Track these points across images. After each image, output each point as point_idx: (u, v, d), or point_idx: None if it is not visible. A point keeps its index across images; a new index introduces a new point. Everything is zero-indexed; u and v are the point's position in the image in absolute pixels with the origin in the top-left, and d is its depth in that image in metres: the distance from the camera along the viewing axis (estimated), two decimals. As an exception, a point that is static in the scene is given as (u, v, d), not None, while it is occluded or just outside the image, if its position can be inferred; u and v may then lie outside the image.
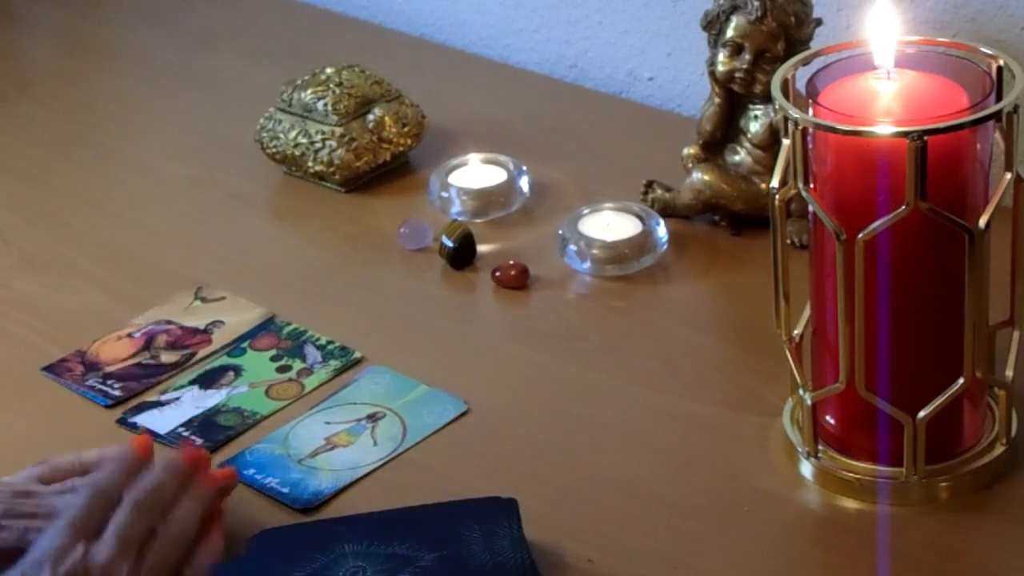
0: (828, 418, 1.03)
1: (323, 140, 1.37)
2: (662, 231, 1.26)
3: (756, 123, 1.26)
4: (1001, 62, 0.97)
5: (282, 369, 1.17)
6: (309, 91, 1.39)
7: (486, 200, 1.33)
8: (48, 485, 1.01)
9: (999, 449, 1.02)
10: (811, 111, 0.96)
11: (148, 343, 1.21)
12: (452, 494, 1.02)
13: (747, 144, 1.27)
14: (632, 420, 1.10)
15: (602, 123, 1.48)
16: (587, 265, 1.25)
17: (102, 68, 1.67)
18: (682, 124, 1.40)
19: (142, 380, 1.17)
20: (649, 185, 1.31)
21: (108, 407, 1.15)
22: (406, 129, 1.40)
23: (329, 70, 1.41)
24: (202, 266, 1.30)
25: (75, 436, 1.12)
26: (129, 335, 1.22)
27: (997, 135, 0.96)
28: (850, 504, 1.01)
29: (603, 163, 1.40)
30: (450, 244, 1.26)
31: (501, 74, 1.58)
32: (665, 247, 1.26)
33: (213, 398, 1.15)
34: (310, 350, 1.19)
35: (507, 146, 1.40)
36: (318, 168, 1.38)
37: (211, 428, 1.12)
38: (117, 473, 0.97)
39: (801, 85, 0.99)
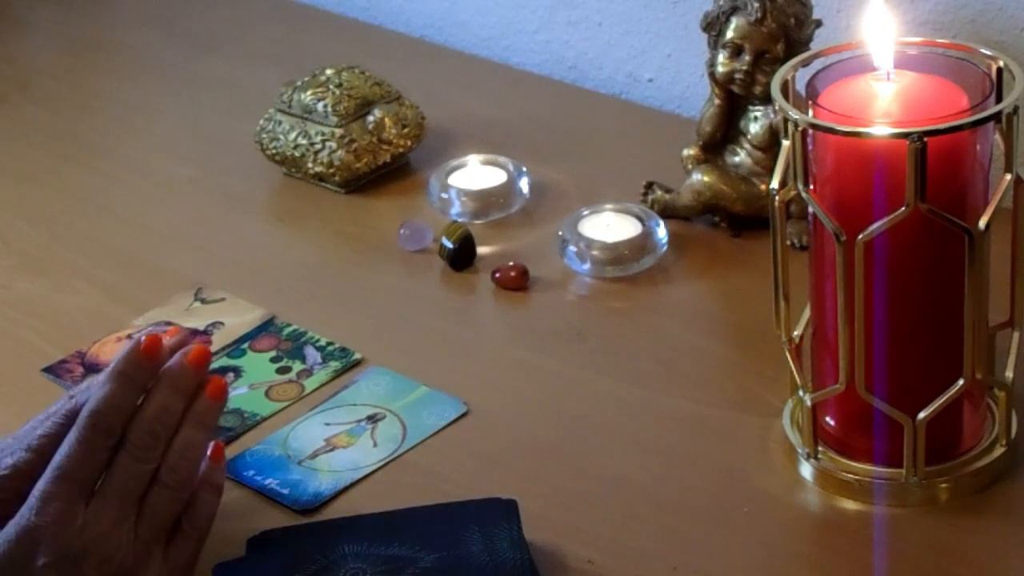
0: (828, 419, 1.03)
1: (323, 141, 1.37)
2: (662, 232, 1.26)
3: (756, 124, 1.26)
4: (1001, 63, 0.97)
5: (282, 370, 1.17)
6: (309, 92, 1.39)
7: (486, 201, 1.33)
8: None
9: (999, 450, 1.02)
10: (811, 112, 0.96)
11: (148, 344, 1.21)
12: (452, 495, 1.02)
13: (747, 145, 1.27)
14: (632, 421, 1.10)
15: (602, 124, 1.48)
16: (587, 266, 1.25)
17: (102, 68, 1.67)
18: (682, 125, 1.40)
19: (142, 381, 1.17)
20: (649, 186, 1.31)
21: (108, 408, 1.15)
22: (406, 130, 1.40)
23: (329, 71, 1.41)
24: (202, 267, 1.30)
25: (75, 437, 1.12)
26: (129, 336, 1.22)
27: (997, 136, 0.96)
28: (850, 505, 1.00)
29: (603, 164, 1.40)
30: (450, 245, 1.26)
31: (501, 75, 1.58)
32: (665, 248, 1.26)
33: (213, 399, 1.15)
34: (310, 351, 1.19)
35: (507, 147, 1.40)
36: (318, 169, 1.38)
37: (211, 429, 1.12)
38: (114, 393, 0.90)
39: (801, 86, 0.99)
